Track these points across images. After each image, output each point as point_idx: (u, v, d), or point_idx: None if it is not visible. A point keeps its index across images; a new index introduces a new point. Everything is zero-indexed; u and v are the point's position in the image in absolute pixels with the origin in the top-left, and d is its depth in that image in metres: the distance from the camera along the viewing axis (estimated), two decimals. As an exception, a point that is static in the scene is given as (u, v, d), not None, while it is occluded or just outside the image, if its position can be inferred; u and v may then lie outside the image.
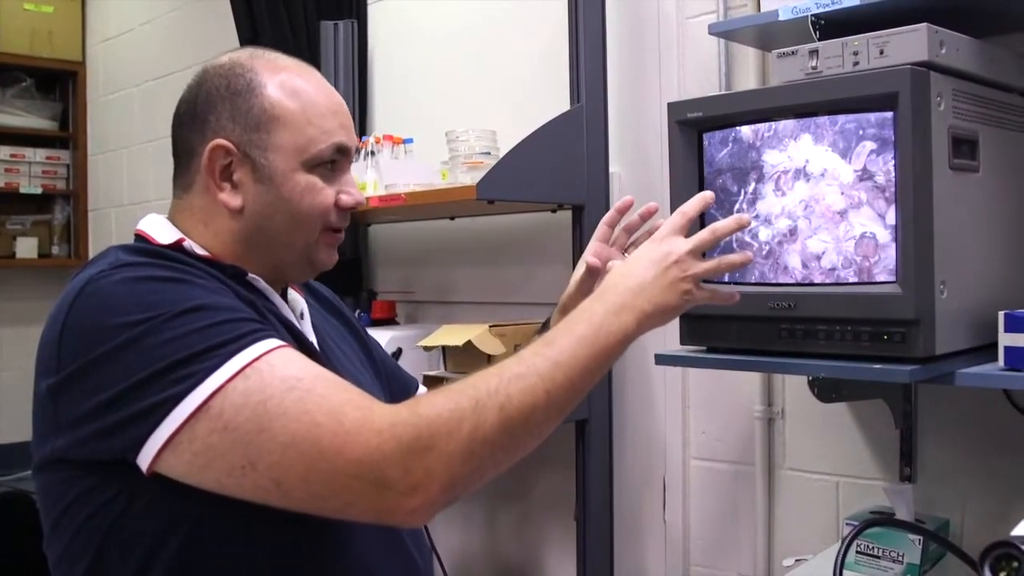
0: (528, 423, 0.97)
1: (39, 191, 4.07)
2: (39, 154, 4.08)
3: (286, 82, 1.11)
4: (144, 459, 0.93)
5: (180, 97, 1.15)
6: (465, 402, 0.95)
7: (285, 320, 1.12)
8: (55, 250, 4.14)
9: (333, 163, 1.13)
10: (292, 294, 1.22)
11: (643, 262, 1.08)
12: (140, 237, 1.11)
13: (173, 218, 1.14)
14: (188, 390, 0.92)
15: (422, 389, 1.43)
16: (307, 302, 1.24)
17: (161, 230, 1.11)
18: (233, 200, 1.10)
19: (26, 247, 4.05)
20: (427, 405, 0.95)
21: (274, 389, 0.93)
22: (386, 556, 1.12)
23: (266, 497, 0.94)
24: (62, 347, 0.97)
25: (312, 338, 1.18)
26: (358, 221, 2.60)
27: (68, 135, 4.17)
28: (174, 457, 0.93)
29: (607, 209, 2.01)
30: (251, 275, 1.11)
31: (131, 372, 0.93)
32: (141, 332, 0.93)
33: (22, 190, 4.02)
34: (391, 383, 1.34)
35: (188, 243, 1.10)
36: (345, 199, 1.14)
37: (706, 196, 1.15)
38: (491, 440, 0.95)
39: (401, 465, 0.92)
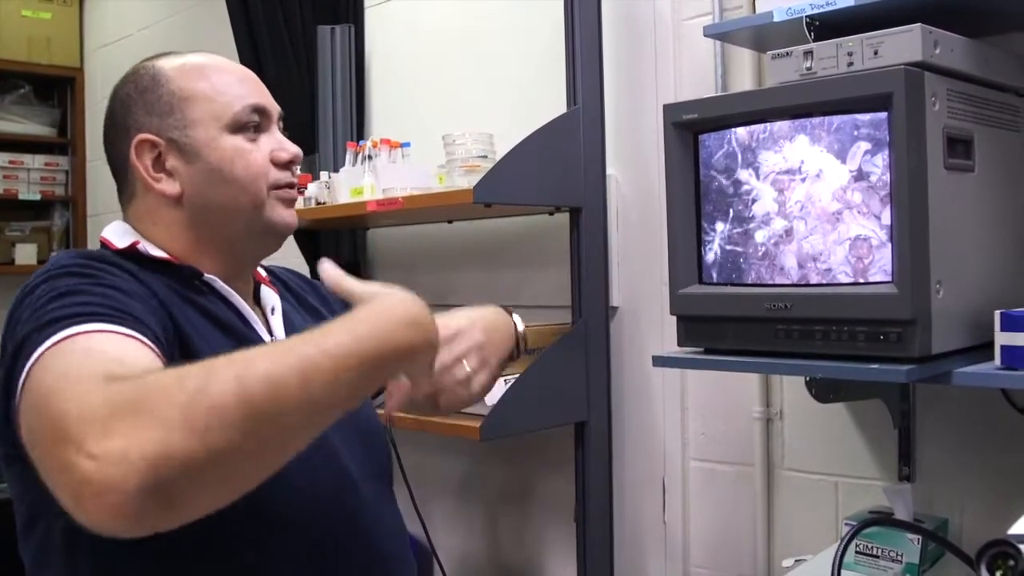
0: (276, 401, 0.76)
1: (38, 197, 4.08)
2: (38, 160, 4.09)
3: (190, 67, 1.14)
4: None
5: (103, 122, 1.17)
6: (195, 369, 0.77)
7: (228, 323, 1.11)
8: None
9: (256, 126, 1.14)
10: (265, 291, 1.22)
11: (393, 295, 0.92)
12: (103, 243, 1.13)
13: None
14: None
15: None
16: (286, 300, 1.24)
17: (119, 235, 1.13)
18: (171, 187, 1.12)
19: (25, 253, 4.05)
20: (157, 371, 0.82)
21: (67, 358, 0.83)
22: None
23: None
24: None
25: (280, 334, 1.18)
26: (356, 225, 2.60)
27: (66, 141, 4.18)
28: None
29: (604, 211, 2.05)
30: (208, 276, 1.12)
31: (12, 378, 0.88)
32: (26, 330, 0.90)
33: (21, 196, 4.03)
34: None
35: (143, 245, 1.11)
36: (281, 155, 1.15)
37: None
38: (220, 409, 0.74)
39: (101, 425, 0.73)
